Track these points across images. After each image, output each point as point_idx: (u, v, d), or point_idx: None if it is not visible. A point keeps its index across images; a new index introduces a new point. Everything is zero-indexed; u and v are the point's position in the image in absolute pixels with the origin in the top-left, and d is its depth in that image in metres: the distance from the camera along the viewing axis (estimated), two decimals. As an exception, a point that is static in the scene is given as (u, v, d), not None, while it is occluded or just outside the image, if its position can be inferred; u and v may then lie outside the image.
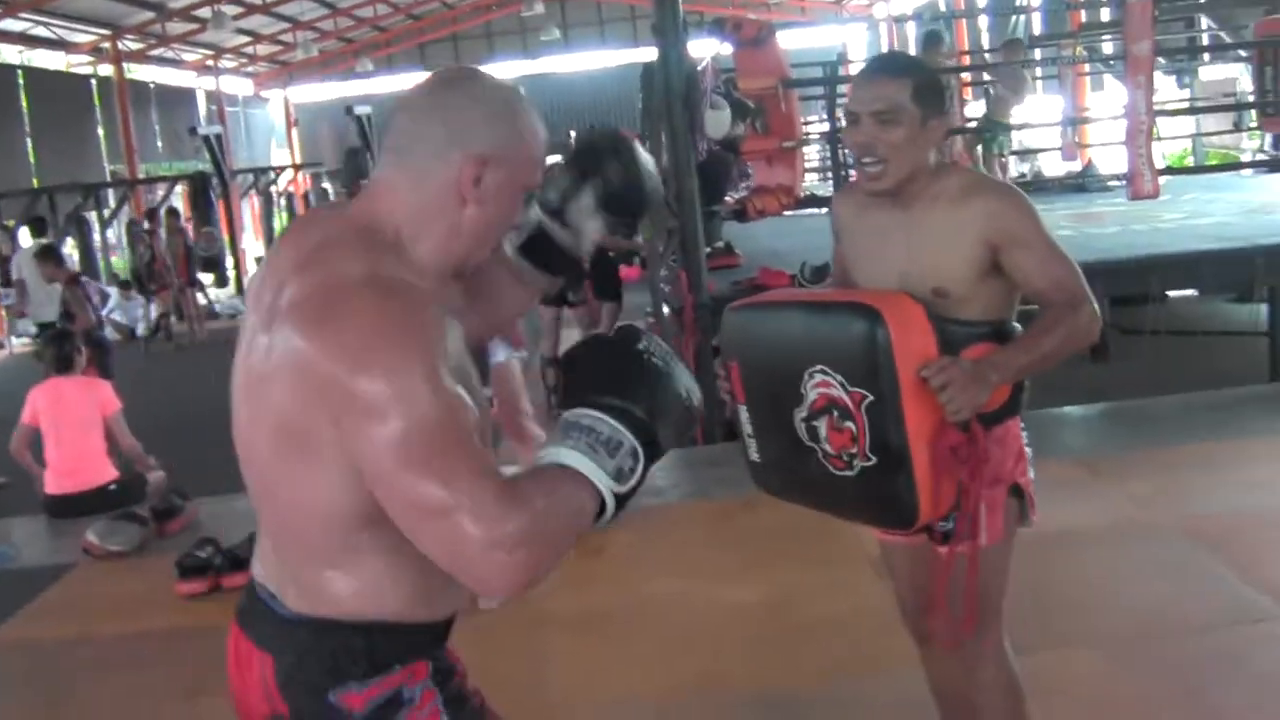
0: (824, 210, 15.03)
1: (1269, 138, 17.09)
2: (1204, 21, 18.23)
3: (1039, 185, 17.07)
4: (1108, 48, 18.34)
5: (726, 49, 10.48)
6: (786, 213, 10.92)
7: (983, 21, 31.55)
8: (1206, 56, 19.57)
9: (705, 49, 10.54)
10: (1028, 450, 3.36)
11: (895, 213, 3.19)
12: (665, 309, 9.17)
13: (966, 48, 30.11)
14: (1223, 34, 17.78)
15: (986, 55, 25.95)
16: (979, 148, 12.97)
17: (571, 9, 44.24)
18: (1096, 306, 3.13)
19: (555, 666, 5.25)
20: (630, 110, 12.00)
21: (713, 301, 8.53)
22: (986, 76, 21.07)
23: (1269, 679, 4.57)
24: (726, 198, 10.55)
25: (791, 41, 30.64)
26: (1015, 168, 20.05)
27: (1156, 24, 15.91)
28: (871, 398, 2.98)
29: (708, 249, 9.42)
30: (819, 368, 3.06)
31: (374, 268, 2.01)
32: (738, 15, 11.70)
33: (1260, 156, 17.83)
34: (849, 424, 3.04)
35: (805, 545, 6.28)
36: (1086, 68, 19.24)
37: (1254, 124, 17.06)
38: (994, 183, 3.59)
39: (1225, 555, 5.70)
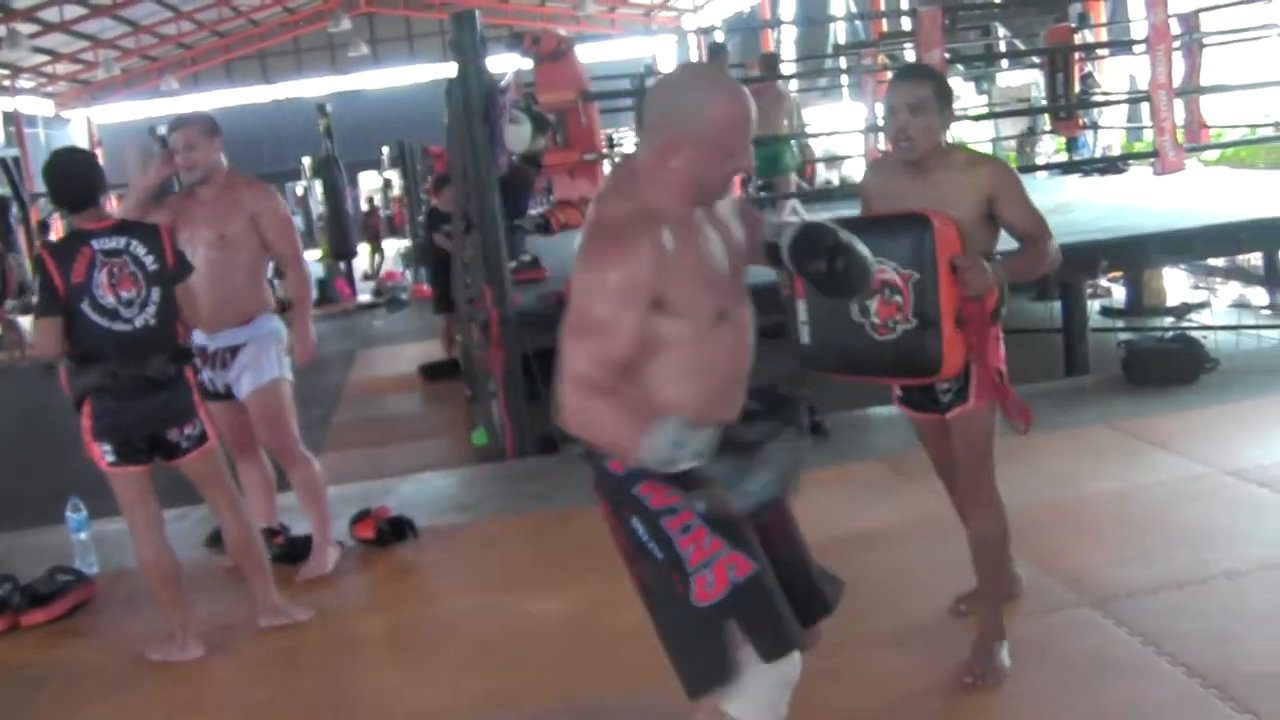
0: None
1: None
2: (1002, 30, 18.65)
3: (845, 192, 17.34)
4: (910, 56, 18.69)
5: (530, 63, 10.48)
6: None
7: (791, 32, 31.95)
8: (1004, 63, 20.05)
9: (509, 63, 10.52)
10: (1002, 348, 4.46)
11: (916, 178, 4.32)
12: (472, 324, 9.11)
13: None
14: (1017, 42, 18.22)
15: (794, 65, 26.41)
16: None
17: (380, 25, 43.95)
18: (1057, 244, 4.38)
19: (362, 687, 5.19)
20: (441, 126, 12.05)
21: (519, 315, 8.52)
22: (796, 86, 21.47)
23: (1069, 666, 4.67)
24: (530, 211, 10.55)
25: (601, 54, 30.79)
26: (822, 174, 20.39)
27: (955, 32, 16.33)
28: (917, 276, 4.16)
29: (513, 263, 9.40)
30: (879, 260, 3.86)
31: (615, 203, 3.08)
32: (537, 30, 11.64)
33: (1055, 159, 18.31)
34: (897, 297, 4.20)
35: (613, 557, 6.27)
36: (889, 75, 19.60)
37: (1048, 128, 17.50)
38: (988, 155, 4.82)
39: (1025, 547, 5.81)
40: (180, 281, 5.43)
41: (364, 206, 29.58)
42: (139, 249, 5.29)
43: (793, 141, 12.71)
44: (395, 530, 6.79)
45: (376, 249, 27.39)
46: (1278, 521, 5.84)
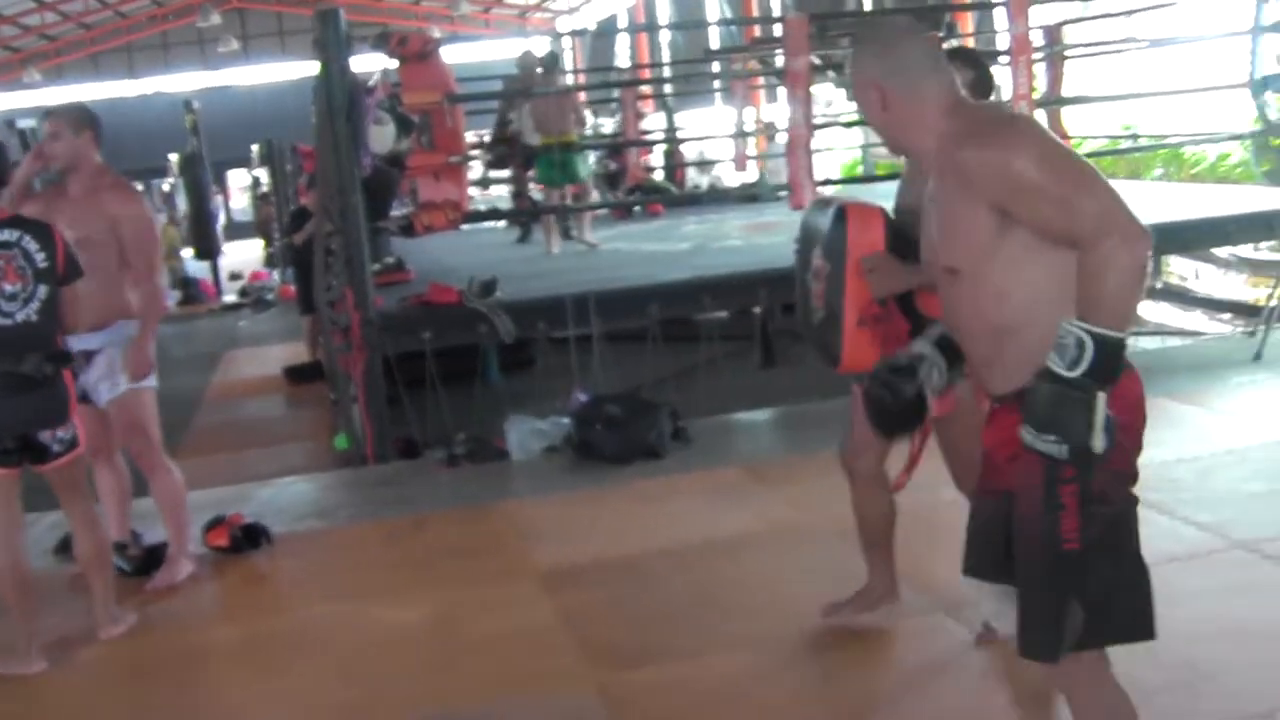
0: (498, 224, 15.00)
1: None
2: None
3: (714, 197, 17.43)
4: (781, 62, 18.79)
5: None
6: (464, 226, 10.88)
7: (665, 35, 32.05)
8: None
9: (377, 63, 10.43)
10: None
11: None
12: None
13: (648, 60, 30.63)
14: (886, 48, 18.37)
15: (666, 69, 26.50)
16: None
17: (251, 20, 43.42)
18: None
19: (210, 700, 5.11)
20: (311, 124, 11.93)
21: (381, 318, 8.45)
22: (668, 90, 21.54)
23: (920, 672, 4.74)
24: (393, 213, 10.47)
25: (476, 54, 30.67)
26: (693, 178, 20.46)
27: (829, 39, 16.43)
28: (830, 268, 4.21)
29: (377, 265, 9.33)
30: (819, 248, 4.26)
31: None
32: (403, 30, 11.54)
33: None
34: (817, 285, 4.28)
35: (472, 563, 6.28)
36: (761, 81, 19.70)
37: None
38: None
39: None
40: (69, 284, 5.33)
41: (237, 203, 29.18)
42: (31, 244, 5.20)
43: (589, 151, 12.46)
44: (249, 537, 6.70)
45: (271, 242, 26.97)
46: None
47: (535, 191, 14.86)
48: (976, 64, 4.44)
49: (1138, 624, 3.21)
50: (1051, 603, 3.12)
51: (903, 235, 4.06)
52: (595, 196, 13.39)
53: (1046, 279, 3.01)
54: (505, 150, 13.84)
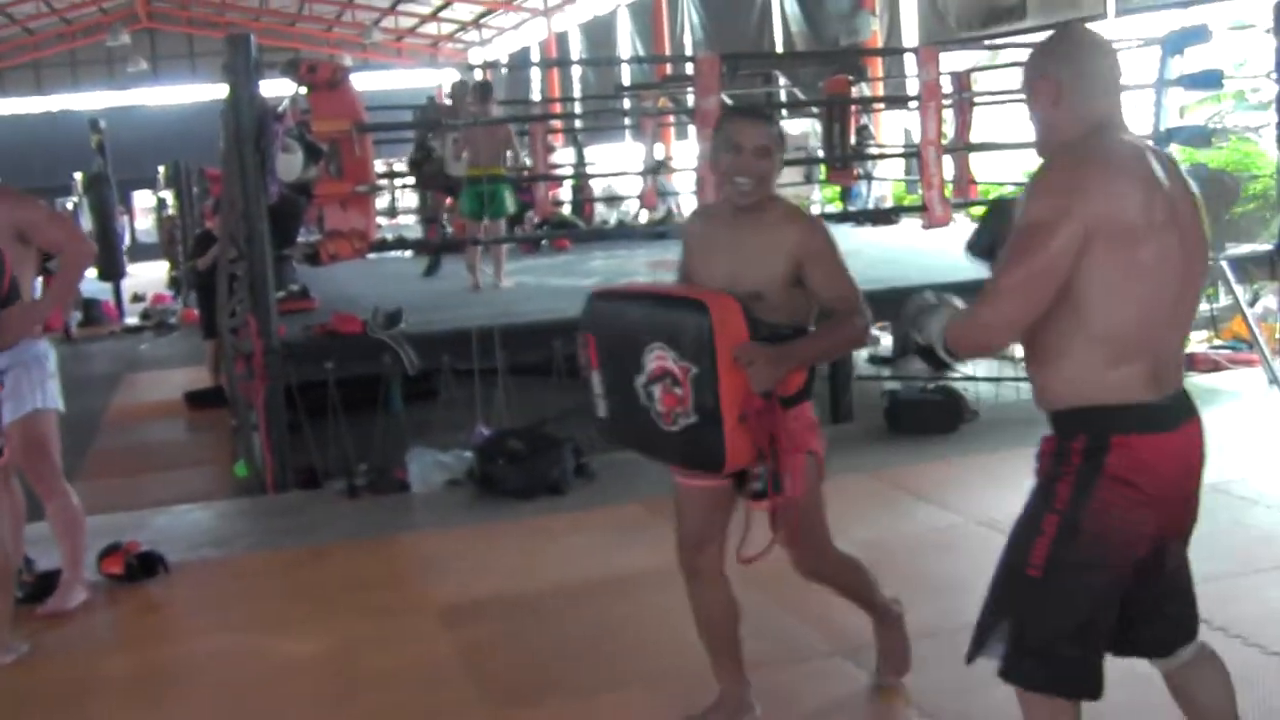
0: (405, 254, 14.86)
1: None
2: (782, 79, 18.95)
3: (622, 232, 17.46)
4: (692, 100, 18.88)
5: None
6: (370, 255, 10.81)
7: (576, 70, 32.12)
8: (784, 111, 20.37)
9: (287, 89, 10.35)
10: (819, 424, 4.36)
11: (736, 229, 4.13)
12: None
13: (558, 94, 30.67)
14: (797, 91, 18.53)
15: (577, 104, 26.55)
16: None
17: (161, 41, 43.07)
18: (870, 317, 4.14)
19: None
20: (218, 147, 11.84)
21: (284, 346, 8.37)
22: (579, 125, 21.56)
23: (819, 714, 4.73)
24: (298, 241, 10.38)
25: (387, 83, 30.58)
26: (601, 213, 20.48)
27: (740, 79, 16.53)
28: (696, 370, 3.87)
29: (281, 293, 9.24)
30: (658, 344, 3.94)
31: None
32: (312, 58, 11.47)
33: (829, 209, 18.64)
34: (677, 389, 3.93)
35: (371, 595, 6.22)
36: (671, 119, 19.78)
37: (824, 176, 17.81)
38: (804, 213, 4.58)
39: (777, 594, 5.87)
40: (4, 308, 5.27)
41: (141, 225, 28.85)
42: None
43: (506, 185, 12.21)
44: (145, 566, 6.60)
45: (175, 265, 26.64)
46: (1025, 573, 5.97)
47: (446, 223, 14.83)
48: (773, 120, 4.29)
49: (1074, 681, 3.30)
50: (987, 611, 3.39)
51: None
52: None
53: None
54: (434, 170, 13.67)
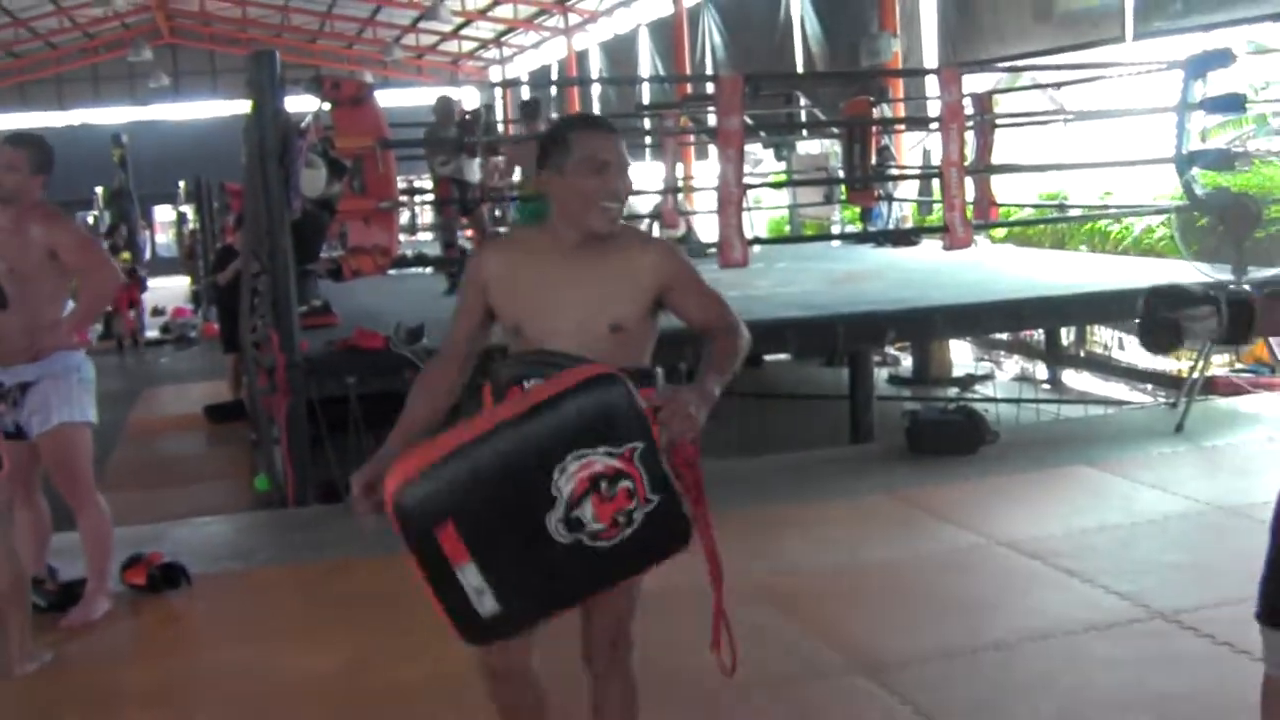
0: (427, 271, 14.87)
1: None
2: (803, 99, 18.97)
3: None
4: (712, 120, 18.90)
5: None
6: (391, 272, 10.85)
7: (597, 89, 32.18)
8: (805, 132, 20.40)
9: (309, 105, 10.40)
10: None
11: (578, 261, 3.60)
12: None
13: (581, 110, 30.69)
14: (818, 111, 18.55)
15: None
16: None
17: (183, 57, 43.25)
18: (744, 328, 3.69)
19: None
20: (240, 163, 11.82)
21: (306, 361, 8.39)
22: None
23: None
24: (321, 256, 10.41)
25: (407, 100, 30.66)
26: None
27: (760, 99, 16.56)
28: (640, 445, 3.20)
29: (303, 308, 9.26)
30: (579, 450, 3.19)
31: None
32: (337, 74, 11.55)
33: (849, 229, 18.66)
34: (625, 483, 3.22)
35: (390, 610, 6.19)
36: (691, 138, 19.81)
37: (844, 196, 17.82)
38: (651, 235, 4.37)
39: (798, 614, 5.88)
40: None
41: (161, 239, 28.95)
42: None
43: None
44: (167, 577, 6.59)
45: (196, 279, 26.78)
46: (1047, 593, 5.97)
47: (464, 240, 14.82)
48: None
49: None
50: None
51: None
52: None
53: None
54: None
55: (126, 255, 22.88)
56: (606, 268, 3.57)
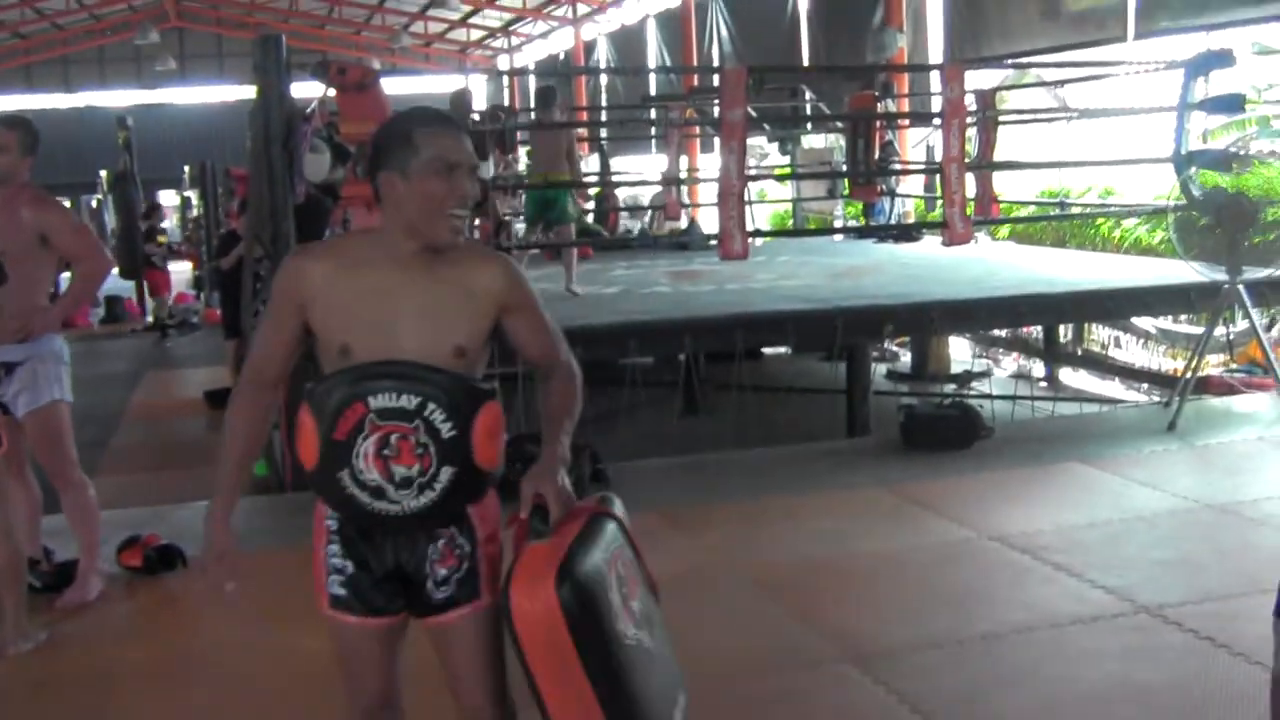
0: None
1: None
2: (808, 93, 19.02)
3: (643, 242, 17.52)
4: (718, 112, 18.92)
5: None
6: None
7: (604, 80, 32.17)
8: (809, 125, 20.44)
9: (315, 91, 10.44)
10: None
11: (417, 274, 3.19)
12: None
13: (585, 103, 30.77)
14: (822, 105, 18.60)
15: (603, 113, 26.62)
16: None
17: (190, 40, 43.26)
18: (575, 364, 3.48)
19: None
20: (245, 147, 11.79)
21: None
22: (604, 134, 21.63)
23: (818, 718, 4.78)
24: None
25: (415, 87, 30.69)
26: (625, 223, 20.56)
27: (766, 93, 16.60)
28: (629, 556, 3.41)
29: (305, 293, 9.29)
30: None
31: None
32: (343, 60, 11.57)
33: (852, 224, 18.72)
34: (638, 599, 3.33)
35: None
36: (697, 130, 19.85)
37: (847, 191, 17.88)
38: (492, 249, 3.94)
39: (789, 602, 5.96)
40: None
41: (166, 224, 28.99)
42: None
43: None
44: (164, 559, 6.66)
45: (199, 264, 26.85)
46: (1035, 587, 6.04)
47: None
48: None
49: None
50: None
51: None
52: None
53: None
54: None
55: (163, 238, 23.01)
56: (447, 284, 3.20)
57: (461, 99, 13.01)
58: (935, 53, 19.13)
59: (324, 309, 3.17)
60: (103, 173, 26.69)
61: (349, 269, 3.18)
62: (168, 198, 36.08)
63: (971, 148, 12.42)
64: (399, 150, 3.12)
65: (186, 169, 28.39)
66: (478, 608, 3.32)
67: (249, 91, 9.06)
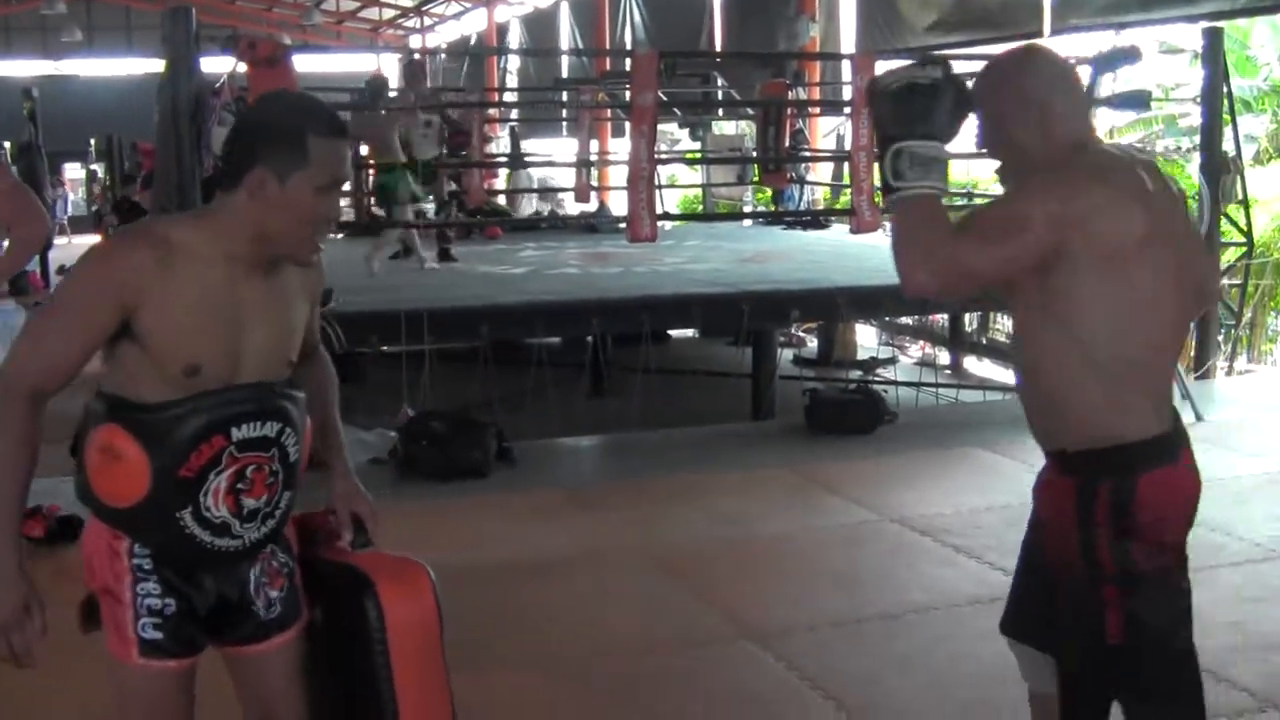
0: (338, 236, 14.77)
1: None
2: (720, 79, 19.09)
3: (553, 224, 17.54)
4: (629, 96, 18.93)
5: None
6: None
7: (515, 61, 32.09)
8: (720, 111, 20.51)
9: (225, 65, 10.36)
10: None
11: (263, 280, 2.79)
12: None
13: (496, 84, 30.66)
14: (734, 92, 18.67)
15: (510, 94, 26.58)
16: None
17: (97, 11, 42.57)
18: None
19: None
20: (154, 122, 11.62)
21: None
22: (515, 114, 21.61)
23: (716, 695, 4.82)
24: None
25: (325, 65, 30.51)
26: (533, 205, 20.56)
27: (677, 79, 16.62)
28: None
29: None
30: None
31: None
32: (254, 34, 11.45)
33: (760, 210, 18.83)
34: None
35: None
36: (608, 114, 19.85)
37: (756, 177, 17.95)
38: None
39: (686, 581, 5.99)
40: None
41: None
42: None
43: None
44: (64, 529, 6.59)
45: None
46: (934, 568, 6.13)
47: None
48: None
49: None
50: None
51: None
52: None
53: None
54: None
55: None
56: (280, 291, 2.84)
57: (379, 83, 12.91)
58: (848, 43, 19.24)
59: (160, 315, 2.64)
60: (5, 144, 26.26)
61: (186, 268, 2.64)
62: (73, 171, 35.66)
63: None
64: (284, 151, 2.64)
65: (93, 142, 28.02)
66: (299, 628, 3.00)
67: (158, 65, 8.98)
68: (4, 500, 2.78)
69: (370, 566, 2.98)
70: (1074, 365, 2.83)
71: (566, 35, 29.98)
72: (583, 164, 15.44)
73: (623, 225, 10.40)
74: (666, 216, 12.10)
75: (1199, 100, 12.10)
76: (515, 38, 33.90)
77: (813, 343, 15.12)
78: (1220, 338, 11.97)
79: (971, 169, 17.99)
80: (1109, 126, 15.63)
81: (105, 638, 2.87)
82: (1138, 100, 11.29)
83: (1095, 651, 2.91)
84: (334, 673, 3.01)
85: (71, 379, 2.76)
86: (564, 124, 22.62)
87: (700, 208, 20.91)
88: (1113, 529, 2.83)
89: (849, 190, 11.27)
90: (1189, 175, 14.26)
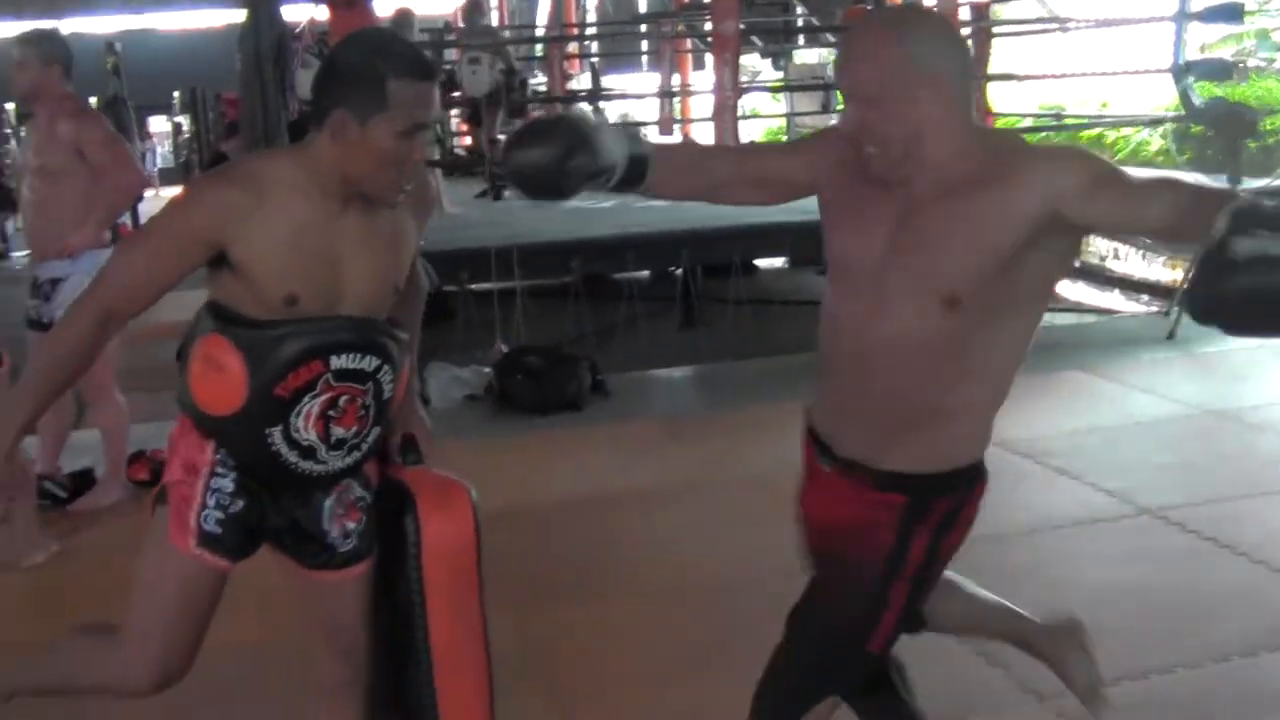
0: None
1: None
2: (800, 8, 18.91)
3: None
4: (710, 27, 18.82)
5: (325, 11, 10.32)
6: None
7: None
8: (802, 39, 20.33)
9: (304, 11, 10.41)
10: None
11: (348, 214, 2.81)
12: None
13: (574, 20, 30.56)
14: (815, 20, 18.49)
15: (592, 29, 26.48)
16: None
17: (177, -36, 42.85)
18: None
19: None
20: (234, 72, 11.66)
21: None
22: (595, 48, 21.54)
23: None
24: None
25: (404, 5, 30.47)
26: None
27: (755, 8, 16.49)
28: None
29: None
30: None
31: None
32: (333, -24, 11.45)
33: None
34: None
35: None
36: (689, 44, 19.76)
37: (840, 105, 17.78)
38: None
39: (787, 510, 5.96)
40: None
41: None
42: None
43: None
44: (170, 473, 6.67)
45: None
46: (1037, 490, 6.08)
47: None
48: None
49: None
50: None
51: None
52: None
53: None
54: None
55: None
56: (390, 225, 2.88)
57: (401, 17, 12.48)
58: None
59: (257, 249, 2.71)
60: (92, 99, 26.49)
61: (278, 202, 2.70)
62: (158, 123, 35.93)
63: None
64: (364, 93, 2.65)
65: (176, 95, 28.18)
66: (370, 561, 3.09)
67: (236, 15, 9.01)
68: (31, 391, 2.87)
69: (415, 483, 3.12)
70: (992, 379, 2.74)
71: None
72: (665, 94, 15.37)
73: (709, 156, 10.33)
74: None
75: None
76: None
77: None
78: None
79: (1058, 92, 17.79)
80: (1200, 43, 15.32)
81: (158, 527, 2.98)
82: (1231, 13, 11.03)
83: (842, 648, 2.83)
84: (375, 588, 3.14)
85: (146, 306, 2.87)
86: (644, 58, 22.52)
87: (784, 138, 20.77)
88: (931, 535, 2.74)
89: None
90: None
